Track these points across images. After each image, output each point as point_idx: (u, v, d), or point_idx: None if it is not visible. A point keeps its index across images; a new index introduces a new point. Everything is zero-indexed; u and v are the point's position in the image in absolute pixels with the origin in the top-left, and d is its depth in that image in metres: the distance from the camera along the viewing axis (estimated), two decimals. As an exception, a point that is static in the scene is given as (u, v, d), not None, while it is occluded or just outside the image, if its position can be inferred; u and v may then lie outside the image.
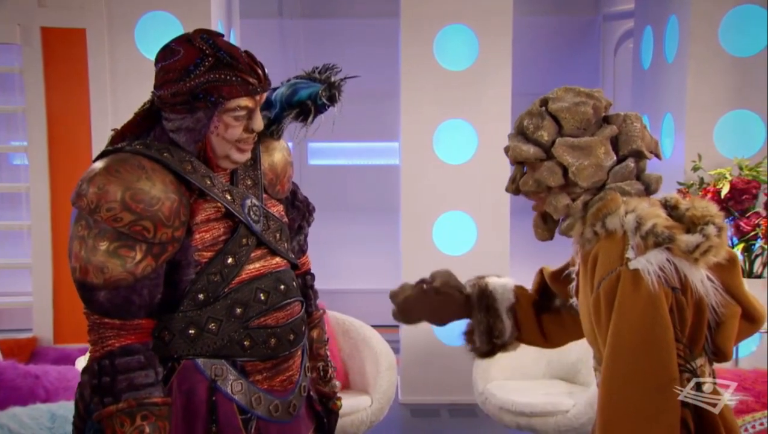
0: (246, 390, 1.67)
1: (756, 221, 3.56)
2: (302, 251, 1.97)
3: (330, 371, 1.99)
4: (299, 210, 1.93)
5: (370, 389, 3.57)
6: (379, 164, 6.37)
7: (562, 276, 1.79)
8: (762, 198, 3.67)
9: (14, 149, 5.03)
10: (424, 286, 1.85)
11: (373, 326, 3.80)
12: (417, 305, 1.86)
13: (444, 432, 4.16)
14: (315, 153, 6.17)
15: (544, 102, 1.65)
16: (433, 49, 4.36)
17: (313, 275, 2.01)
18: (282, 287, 1.73)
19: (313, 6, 6.44)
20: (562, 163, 1.59)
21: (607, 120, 1.64)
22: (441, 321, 1.89)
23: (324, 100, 1.80)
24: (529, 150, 1.62)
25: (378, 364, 3.58)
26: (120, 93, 4.08)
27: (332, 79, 1.82)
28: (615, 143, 1.62)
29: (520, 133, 1.66)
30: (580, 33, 6.48)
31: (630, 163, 1.61)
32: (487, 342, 1.86)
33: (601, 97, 1.64)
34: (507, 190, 1.70)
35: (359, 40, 6.05)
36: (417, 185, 4.42)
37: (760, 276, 3.65)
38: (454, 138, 4.40)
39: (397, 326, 4.68)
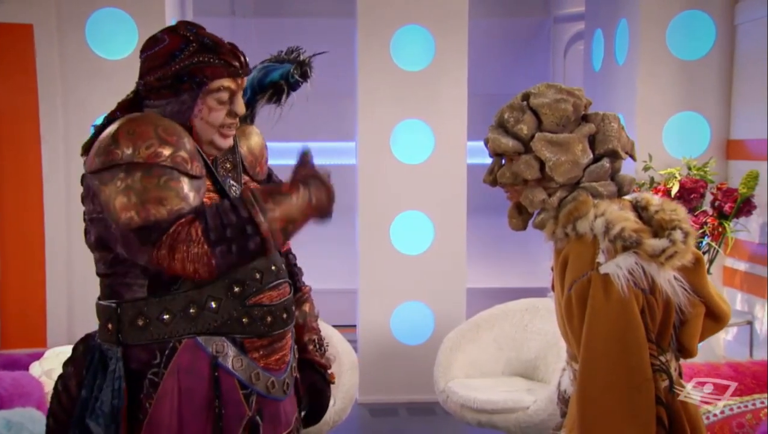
0: (246, 367, 1.70)
1: (703, 220, 3.68)
2: None
3: (324, 343, 2.08)
4: None
5: (333, 389, 3.55)
6: (335, 163, 6.31)
7: None
8: (709, 197, 3.80)
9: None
10: None
11: (331, 326, 3.79)
12: None
13: (403, 431, 4.17)
14: (271, 153, 6.11)
15: (526, 97, 1.67)
16: (389, 49, 4.37)
17: (294, 255, 2.06)
18: (273, 267, 1.78)
19: (266, 4, 6.37)
20: (539, 157, 1.62)
21: (585, 118, 1.67)
22: None
23: (297, 78, 1.89)
24: (508, 143, 1.64)
25: (340, 364, 3.56)
26: (70, 92, 3.97)
27: (301, 57, 1.92)
28: (592, 141, 1.65)
29: (500, 125, 1.67)
30: (532, 35, 6.57)
31: (605, 163, 1.63)
32: None
33: (581, 96, 1.67)
34: (484, 181, 1.72)
35: (314, 40, 5.93)
36: (374, 185, 4.43)
37: (707, 273, 3.78)
38: (411, 138, 4.41)
39: (354, 325, 4.68)
